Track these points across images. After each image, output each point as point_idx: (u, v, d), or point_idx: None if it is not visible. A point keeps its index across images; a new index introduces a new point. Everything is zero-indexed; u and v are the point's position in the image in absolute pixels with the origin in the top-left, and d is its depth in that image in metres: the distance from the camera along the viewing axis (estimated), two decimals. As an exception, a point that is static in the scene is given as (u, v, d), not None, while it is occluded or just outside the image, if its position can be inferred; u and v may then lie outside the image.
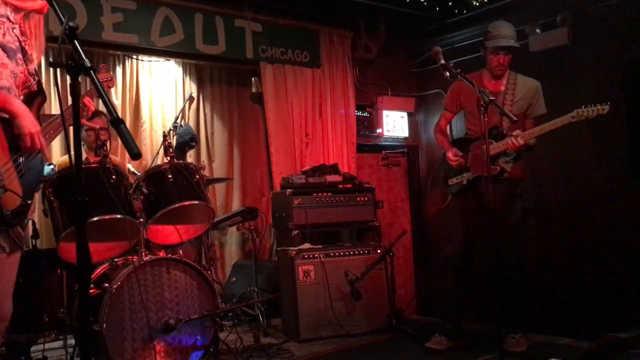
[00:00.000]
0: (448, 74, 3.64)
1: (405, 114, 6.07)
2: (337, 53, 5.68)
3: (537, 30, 4.89)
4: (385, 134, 5.98)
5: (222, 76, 5.44)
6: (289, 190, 4.73)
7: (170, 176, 3.34)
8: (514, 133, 3.55)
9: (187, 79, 5.23)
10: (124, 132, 1.47)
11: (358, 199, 4.99)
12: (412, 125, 6.12)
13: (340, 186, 4.95)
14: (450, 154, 3.87)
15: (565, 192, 4.87)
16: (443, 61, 3.65)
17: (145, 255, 3.22)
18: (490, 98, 3.24)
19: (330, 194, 4.85)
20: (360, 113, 5.94)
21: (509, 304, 3.53)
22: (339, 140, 5.61)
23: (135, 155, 1.49)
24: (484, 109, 3.24)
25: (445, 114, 4.12)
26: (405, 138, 6.06)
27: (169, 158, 3.47)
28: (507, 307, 3.52)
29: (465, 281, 3.90)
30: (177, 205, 3.29)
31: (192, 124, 5.15)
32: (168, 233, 3.57)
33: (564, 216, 4.87)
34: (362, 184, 5.08)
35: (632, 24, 4.41)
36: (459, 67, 3.68)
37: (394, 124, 6.01)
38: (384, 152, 5.93)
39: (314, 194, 4.78)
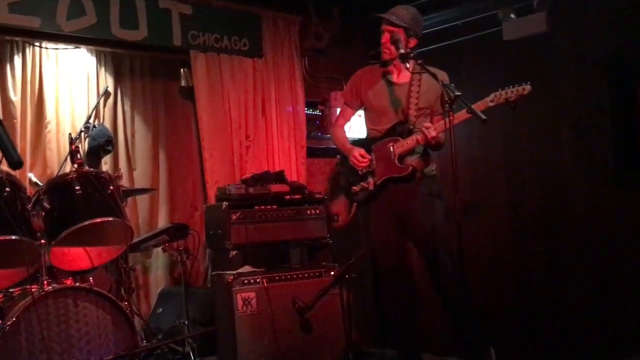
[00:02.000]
0: (409, 65, 3.75)
1: (363, 112, 5.71)
2: (283, 41, 5.68)
3: (512, 16, 5.02)
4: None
5: (144, 67, 5.32)
6: (225, 203, 4.66)
7: (77, 187, 3.29)
8: (425, 125, 3.65)
9: (102, 70, 5.14)
10: (1, 135, 1.39)
11: (308, 212, 4.98)
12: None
13: (287, 197, 4.93)
14: (355, 154, 3.92)
15: (542, 202, 5.07)
16: (402, 50, 3.76)
17: (48, 284, 3.11)
18: (457, 93, 3.34)
19: (275, 206, 4.82)
20: (310, 111, 5.96)
21: (463, 328, 3.60)
22: (286, 143, 5.62)
23: (16, 164, 1.41)
24: (448, 106, 3.32)
25: (345, 110, 4.18)
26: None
27: (76, 166, 3.35)
28: (463, 332, 3.61)
29: (417, 304, 4.01)
30: (86, 222, 3.23)
31: (108, 124, 5.09)
32: (76, 257, 3.52)
33: (541, 230, 5.09)
34: (313, 195, 5.05)
35: (618, 10, 4.58)
36: (423, 57, 3.81)
37: (351, 123, 5.67)
38: (339, 156, 5.56)
39: (256, 207, 4.74)
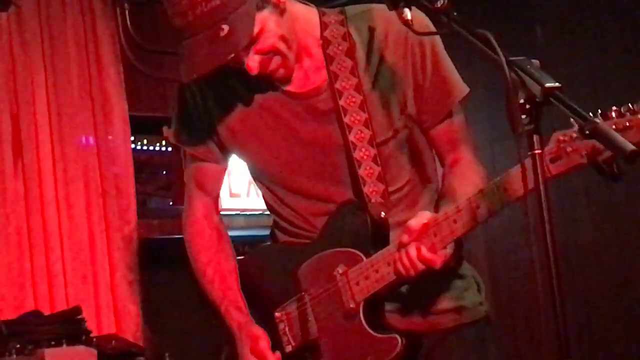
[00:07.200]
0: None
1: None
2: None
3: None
4: (228, 204, 4.73)
5: None
6: None
7: None
8: (408, 227, 2.22)
9: None
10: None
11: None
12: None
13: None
14: (259, 344, 2.43)
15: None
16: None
17: None
18: (551, 84, 1.69)
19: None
20: (143, 145, 4.68)
21: None
22: (80, 232, 4.25)
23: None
24: (528, 117, 1.65)
25: (197, 170, 2.64)
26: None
27: None
28: None
29: None
30: None
31: None
32: None
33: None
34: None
35: None
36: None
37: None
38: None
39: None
